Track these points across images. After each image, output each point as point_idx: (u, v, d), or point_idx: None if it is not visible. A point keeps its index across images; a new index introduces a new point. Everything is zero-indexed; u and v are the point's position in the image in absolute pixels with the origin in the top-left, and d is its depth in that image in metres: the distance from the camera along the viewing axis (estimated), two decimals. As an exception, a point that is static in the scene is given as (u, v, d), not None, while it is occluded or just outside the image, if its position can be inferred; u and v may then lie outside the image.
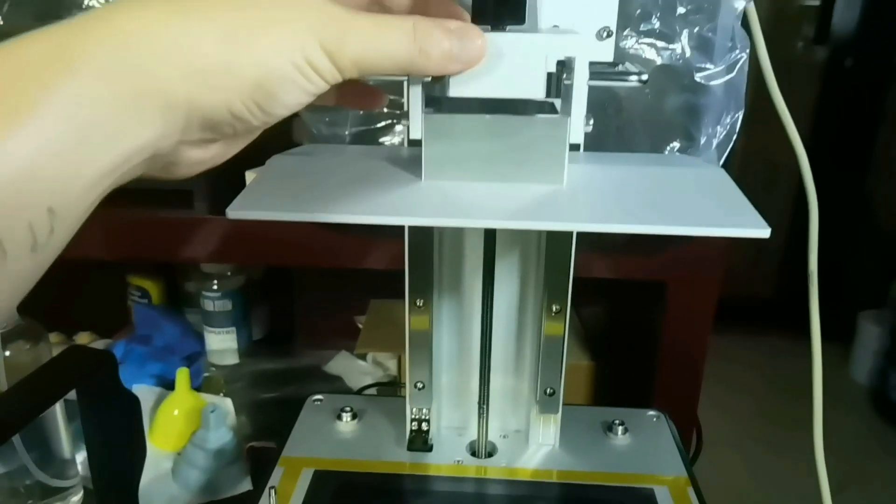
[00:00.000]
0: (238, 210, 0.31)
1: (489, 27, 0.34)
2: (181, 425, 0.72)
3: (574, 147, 0.35)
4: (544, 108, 0.35)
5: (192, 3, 0.24)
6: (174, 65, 0.23)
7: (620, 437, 0.54)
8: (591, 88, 0.36)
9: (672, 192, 0.34)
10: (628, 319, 0.83)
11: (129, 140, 0.23)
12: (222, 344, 0.86)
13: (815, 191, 0.60)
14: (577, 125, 0.34)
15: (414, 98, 0.33)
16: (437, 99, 0.34)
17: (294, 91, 0.26)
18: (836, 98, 2.12)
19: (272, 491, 0.46)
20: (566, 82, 0.32)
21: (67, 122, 0.21)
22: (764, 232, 0.29)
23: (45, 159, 0.21)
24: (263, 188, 0.35)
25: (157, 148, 0.24)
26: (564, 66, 0.34)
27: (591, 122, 0.35)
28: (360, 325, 0.93)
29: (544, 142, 0.33)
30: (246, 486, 0.67)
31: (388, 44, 0.27)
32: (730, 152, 0.57)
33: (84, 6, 0.63)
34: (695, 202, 0.34)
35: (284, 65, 0.25)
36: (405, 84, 0.33)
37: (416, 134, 0.33)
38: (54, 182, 0.21)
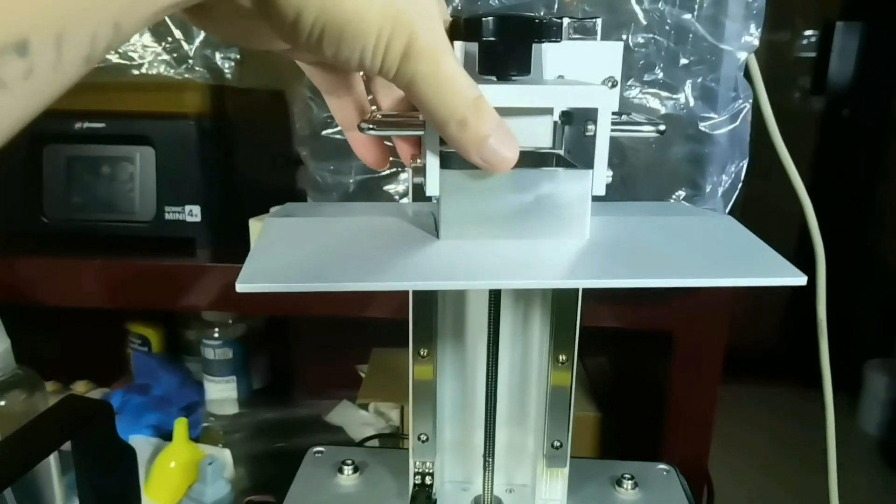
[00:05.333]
0: (248, 283, 0.28)
1: (494, 78, 0.34)
2: (178, 478, 0.70)
3: (595, 199, 0.34)
4: (550, 160, 0.34)
5: None
6: None
7: (630, 493, 0.53)
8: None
9: (698, 243, 0.34)
10: (634, 370, 0.82)
11: None
12: (222, 393, 0.84)
13: (821, 240, 0.59)
14: (600, 177, 0.33)
15: (430, 155, 0.32)
16: (447, 155, 0.33)
17: (342, 41, 0.24)
18: (835, 147, 2.15)
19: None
20: (588, 134, 0.32)
21: None
22: (801, 280, 0.28)
23: None
24: (269, 254, 0.33)
25: None
26: (571, 116, 0.34)
27: (611, 173, 0.34)
28: (362, 374, 0.92)
29: (567, 196, 0.32)
30: (243, 542, 0.65)
31: (446, 95, 0.27)
32: (733, 201, 0.57)
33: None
34: (724, 252, 0.33)
35: (370, 17, 0.24)
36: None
37: (432, 191, 0.32)
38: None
